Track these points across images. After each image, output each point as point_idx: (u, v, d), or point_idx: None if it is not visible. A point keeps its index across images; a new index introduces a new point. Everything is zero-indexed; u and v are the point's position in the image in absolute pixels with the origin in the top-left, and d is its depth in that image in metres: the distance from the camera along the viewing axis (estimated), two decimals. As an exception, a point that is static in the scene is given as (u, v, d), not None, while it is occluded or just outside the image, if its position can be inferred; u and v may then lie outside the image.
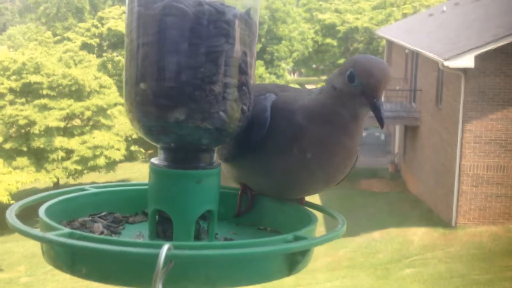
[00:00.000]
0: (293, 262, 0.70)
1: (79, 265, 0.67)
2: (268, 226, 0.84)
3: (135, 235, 0.80)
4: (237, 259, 0.66)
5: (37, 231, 0.68)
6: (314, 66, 31.34)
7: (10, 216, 0.73)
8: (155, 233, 0.77)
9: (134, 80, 0.74)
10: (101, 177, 17.59)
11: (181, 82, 0.71)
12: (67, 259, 0.68)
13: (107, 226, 0.82)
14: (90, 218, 0.84)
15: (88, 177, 17.40)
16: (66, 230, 0.69)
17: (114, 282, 0.66)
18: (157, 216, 0.76)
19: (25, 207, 0.81)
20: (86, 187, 0.90)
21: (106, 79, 17.60)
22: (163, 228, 0.76)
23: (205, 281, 0.65)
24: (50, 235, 0.66)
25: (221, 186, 0.85)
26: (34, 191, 18.38)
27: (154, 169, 0.76)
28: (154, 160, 0.77)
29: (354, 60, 0.78)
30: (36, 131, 15.49)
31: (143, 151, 18.63)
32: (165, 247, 0.60)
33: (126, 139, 17.12)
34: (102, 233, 0.79)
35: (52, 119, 15.66)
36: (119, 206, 0.88)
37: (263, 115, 0.81)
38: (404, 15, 26.41)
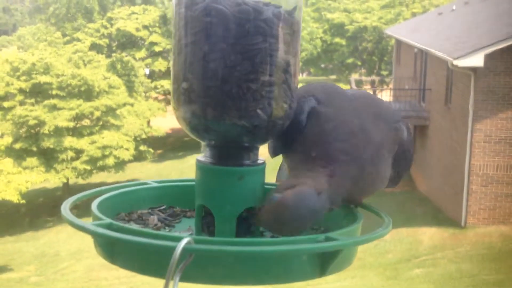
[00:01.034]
0: (324, 263, 0.70)
1: (117, 254, 0.71)
2: (322, 226, 0.85)
3: (186, 229, 0.83)
4: (262, 257, 0.66)
5: (79, 221, 0.71)
6: (322, 65, 31.30)
7: (65, 210, 0.76)
8: (200, 228, 0.79)
9: (177, 79, 0.76)
10: (110, 177, 17.66)
11: (219, 81, 0.73)
12: (107, 248, 0.71)
13: (163, 219, 0.85)
14: (149, 211, 0.87)
15: (97, 177, 17.48)
16: (107, 220, 0.72)
17: (144, 272, 0.69)
18: (203, 212, 0.78)
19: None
20: (149, 181, 0.93)
21: (115, 79, 17.67)
22: (207, 223, 0.78)
23: (228, 277, 0.66)
24: (88, 224, 0.70)
25: (274, 184, 0.87)
26: (44, 191, 18.47)
27: (199, 166, 0.78)
28: (200, 157, 0.79)
29: (281, 199, 0.75)
30: (46, 131, 15.59)
31: (152, 151, 18.68)
32: (184, 240, 0.62)
33: (135, 139, 17.17)
34: (156, 225, 0.82)
35: (62, 119, 15.75)
36: (179, 201, 0.91)
37: (299, 117, 0.81)
38: (413, 14, 26.33)
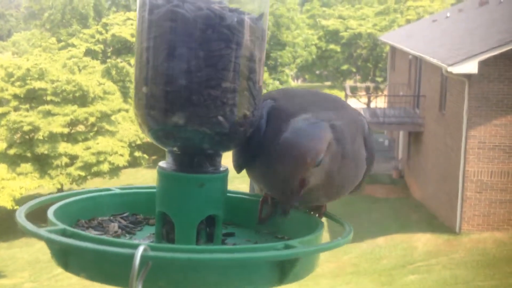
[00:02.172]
0: (283, 271, 0.68)
1: (71, 262, 0.69)
2: (286, 235, 0.84)
3: (147, 236, 0.81)
4: (219, 265, 0.65)
5: (31, 226, 0.69)
6: (317, 72, 31.37)
7: (19, 214, 0.74)
8: (160, 235, 0.77)
9: (138, 84, 0.75)
10: (105, 183, 17.61)
11: (179, 86, 0.72)
12: (61, 255, 0.69)
13: (124, 226, 0.83)
14: (110, 218, 0.85)
15: (92, 183, 17.42)
16: (60, 226, 0.70)
17: (100, 280, 0.67)
18: (163, 219, 0.77)
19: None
20: (112, 187, 0.91)
21: (110, 85, 17.65)
22: (167, 230, 0.77)
23: (186, 285, 0.65)
24: (41, 231, 0.68)
25: (246, 193, 0.85)
26: (38, 197, 18.37)
27: (159, 172, 0.77)
28: (162, 163, 0.78)
29: (284, 135, 0.75)
30: (40, 137, 15.54)
31: (147, 157, 18.65)
32: (141, 248, 0.61)
33: (130, 145, 17.15)
34: (116, 232, 0.81)
35: (56, 125, 15.71)
36: (143, 208, 0.89)
37: (259, 123, 0.80)
38: (408, 21, 26.44)
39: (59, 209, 0.79)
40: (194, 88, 0.72)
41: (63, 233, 0.69)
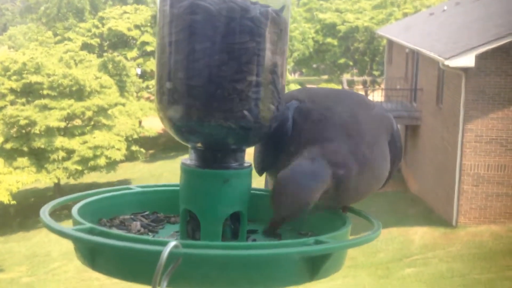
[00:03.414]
0: (314, 267, 0.68)
1: (98, 260, 0.68)
2: (309, 231, 0.83)
3: (170, 234, 0.81)
4: (250, 261, 0.65)
5: (58, 226, 0.69)
6: (314, 65, 31.33)
7: (44, 214, 0.73)
8: (185, 233, 0.77)
9: (161, 79, 0.74)
10: (102, 177, 17.60)
11: (203, 81, 0.71)
12: (88, 254, 0.69)
13: (147, 224, 0.83)
14: (131, 217, 0.85)
15: (89, 177, 17.41)
16: (88, 225, 0.70)
17: (127, 278, 0.67)
18: (188, 216, 0.77)
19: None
20: (132, 186, 0.91)
21: (106, 79, 17.61)
22: (192, 228, 0.76)
23: (215, 282, 0.65)
24: (69, 229, 0.67)
25: (267, 190, 0.85)
26: (35, 191, 18.38)
27: (183, 169, 0.76)
28: (185, 160, 0.77)
29: (279, 176, 0.74)
30: (37, 131, 15.51)
31: (144, 151, 18.63)
32: (171, 244, 0.60)
33: (127, 139, 17.12)
34: (139, 231, 0.80)
35: (53, 119, 15.68)
36: (163, 206, 0.88)
37: (285, 125, 0.79)
38: (405, 15, 26.41)
39: (81, 208, 0.78)
40: (218, 82, 0.71)
41: (91, 231, 0.68)
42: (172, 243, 0.60)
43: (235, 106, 0.72)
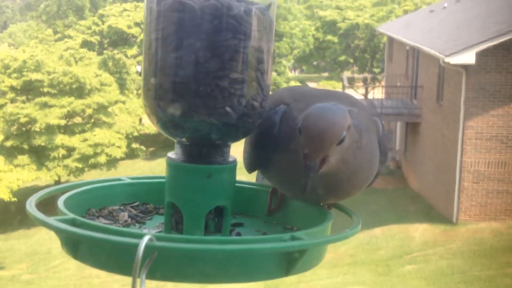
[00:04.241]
0: (290, 262, 0.69)
1: (80, 251, 0.69)
2: (295, 225, 0.84)
3: (156, 226, 0.82)
4: (225, 255, 0.65)
5: (41, 215, 0.69)
6: (315, 63, 31.32)
7: (30, 204, 0.74)
8: (170, 225, 0.78)
9: (147, 75, 0.75)
10: (102, 175, 17.60)
11: (186, 77, 0.72)
12: (70, 244, 0.70)
13: (134, 215, 0.84)
14: (120, 207, 0.86)
15: (89, 175, 17.42)
16: (70, 216, 0.71)
17: (108, 269, 0.68)
18: (172, 209, 0.78)
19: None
20: (123, 177, 0.92)
21: (106, 77, 17.61)
22: (176, 220, 0.77)
23: (191, 275, 0.65)
24: (50, 220, 0.68)
25: (256, 183, 0.86)
26: (35, 189, 18.39)
27: (168, 163, 0.78)
28: (171, 154, 0.79)
29: (307, 111, 0.74)
30: (37, 129, 15.51)
31: (144, 148, 18.64)
32: (146, 238, 0.61)
33: (127, 137, 17.12)
34: (126, 221, 0.81)
35: (53, 117, 15.67)
36: (153, 197, 0.89)
37: (272, 130, 0.80)
38: (405, 12, 26.39)
39: (69, 198, 0.79)
40: (202, 79, 0.72)
41: (72, 222, 0.69)
42: (147, 237, 0.61)
43: (218, 103, 0.73)
